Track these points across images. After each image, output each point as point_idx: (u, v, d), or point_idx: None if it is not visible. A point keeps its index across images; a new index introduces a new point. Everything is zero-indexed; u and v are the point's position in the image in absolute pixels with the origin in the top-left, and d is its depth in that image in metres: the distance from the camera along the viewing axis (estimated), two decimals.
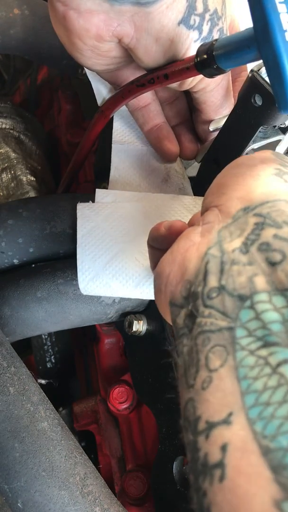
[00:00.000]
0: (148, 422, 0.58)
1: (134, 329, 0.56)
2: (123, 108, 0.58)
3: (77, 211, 0.54)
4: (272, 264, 0.26)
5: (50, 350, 0.80)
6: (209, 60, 0.43)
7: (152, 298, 0.49)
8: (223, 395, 0.24)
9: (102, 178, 0.65)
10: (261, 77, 0.42)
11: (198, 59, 0.44)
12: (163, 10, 0.44)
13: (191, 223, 0.38)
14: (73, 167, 0.66)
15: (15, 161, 0.82)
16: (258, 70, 0.42)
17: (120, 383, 0.60)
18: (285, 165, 0.33)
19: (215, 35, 0.47)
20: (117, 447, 0.60)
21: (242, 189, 0.31)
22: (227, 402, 0.23)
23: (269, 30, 0.33)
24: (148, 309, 0.59)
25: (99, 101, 0.60)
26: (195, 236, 0.32)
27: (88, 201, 0.56)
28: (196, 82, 0.49)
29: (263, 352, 0.24)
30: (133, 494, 0.55)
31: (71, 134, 0.84)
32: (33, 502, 0.43)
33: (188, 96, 0.58)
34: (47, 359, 0.80)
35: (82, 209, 0.54)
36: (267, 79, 0.41)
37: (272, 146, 0.50)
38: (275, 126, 0.47)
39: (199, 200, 0.56)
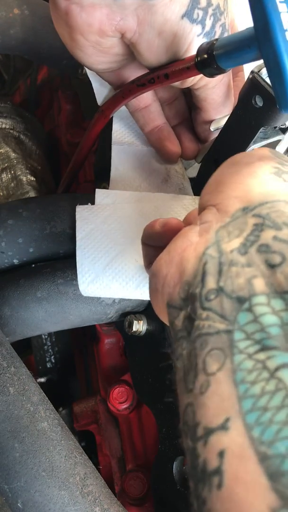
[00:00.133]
0: (148, 422, 0.58)
1: (134, 329, 0.56)
2: (122, 109, 0.58)
3: (76, 213, 0.54)
4: (272, 266, 0.26)
5: (50, 350, 0.80)
6: (210, 60, 0.42)
7: None
8: (220, 400, 0.23)
9: (102, 178, 0.65)
10: (261, 78, 0.42)
11: (199, 59, 0.44)
12: (167, 3, 0.44)
13: (187, 221, 0.38)
14: (73, 167, 0.66)
15: (15, 161, 0.82)
16: (259, 71, 0.42)
17: (120, 383, 0.60)
18: (284, 164, 0.32)
19: (218, 30, 0.47)
20: (117, 447, 0.60)
21: (240, 188, 0.31)
22: (224, 407, 0.23)
23: (269, 29, 0.33)
24: (148, 309, 0.59)
25: (99, 101, 0.60)
26: (193, 235, 0.31)
27: (88, 201, 0.56)
28: (198, 79, 0.49)
29: (261, 355, 0.23)
30: (133, 494, 0.55)
31: (71, 134, 0.84)
32: (33, 502, 0.43)
33: (188, 95, 0.58)
34: (47, 359, 0.80)
35: (81, 211, 0.54)
36: (267, 80, 0.41)
37: (272, 146, 0.50)
38: (276, 126, 0.47)
39: (198, 200, 0.56)
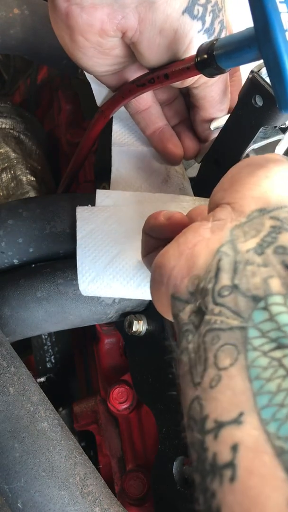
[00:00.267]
0: (148, 422, 0.58)
1: (134, 329, 0.56)
2: (122, 110, 0.58)
3: (77, 214, 0.54)
4: None
5: (50, 350, 0.80)
6: (210, 60, 0.43)
7: None
8: (233, 394, 0.23)
9: (102, 178, 0.65)
10: (261, 77, 0.42)
11: (199, 59, 0.44)
12: (167, 0, 0.44)
13: (190, 218, 0.38)
14: (73, 167, 0.66)
15: (15, 161, 0.82)
16: (258, 71, 0.42)
17: (120, 383, 0.60)
18: None
19: (217, 27, 0.47)
20: (117, 447, 0.60)
21: (257, 189, 0.31)
22: (237, 401, 0.23)
23: (269, 29, 0.33)
24: (148, 309, 0.59)
25: (99, 102, 0.60)
26: (205, 231, 0.31)
27: (88, 201, 0.56)
28: (197, 78, 0.49)
29: (277, 353, 0.23)
30: (133, 494, 0.55)
31: (71, 134, 0.84)
32: (33, 502, 0.43)
33: (186, 95, 0.58)
34: (47, 359, 0.80)
35: (82, 211, 0.54)
36: (267, 79, 0.41)
37: (272, 146, 0.50)
38: (276, 126, 0.47)
39: (198, 201, 0.56)
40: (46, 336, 0.80)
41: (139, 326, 0.56)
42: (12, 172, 0.80)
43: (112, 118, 0.60)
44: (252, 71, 0.43)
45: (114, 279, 0.52)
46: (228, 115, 0.51)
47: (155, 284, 0.34)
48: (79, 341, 0.80)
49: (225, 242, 0.29)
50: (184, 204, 0.55)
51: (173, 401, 0.54)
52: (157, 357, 0.56)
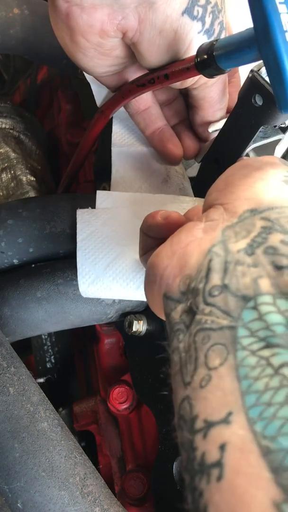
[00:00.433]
0: (148, 422, 0.58)
1: (134, 329, 0.56)
2: (121, 110, 0.58)
3: (77, 216, 0.54)
4: (279, 268, 0.26)
5: (50, 350, 0.80)
6: (210, 60, 0.43)
7: None
8: (222, 394, 0.23)
9: (102, 178, 0.65)
10: (261, 77, 0.42)
11: (198, 59, 0.44)
12: (167, 0, 0.44)
13: (188, 218, 0.38)
14: (73, 167, 0.66)
15: (15, 161, 0.82)
16: (258, 70, 0.42)
17: (120, 383, 0.60)
18: None
19: (216, 28, 0.47)
20: (117, 447, 0.60)
21: (251, 191, 0.31)
22: (226, 401, 0.23)
23: (269, 30, 0.33)
24: (148, 309, 0.58)
25: (98, 102, 0.60)
26: (197, 231, 0.31)
27: (88, 201, 0.56)
28: (197, 78, 0.49)
29: (265, 353, 0.24)
30: (133, 494, 0.55)
31: (71, 134, 0.84)
32: (33, 503, 0.43)
33: (185, 95, 0.58)
34: (47, 359, 0.80)
35: (82, 214, 0.54)
36: (267, 79, 0.41)
37: (272, 145, 0.50)
38: (275, 125, 0.47)
39: (198, 202, 0.56)
40: (46, 336, 0.80)
41: (139, 326, 0.56)
42: (12, 172, 0.80)
43: (112, 118, 0.60)
44: (252, 70, 0.43)
45: (114, 281, 0.52)
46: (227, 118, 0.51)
47: (149, 283, 0.34)
48: (79, 341, 0.80)
49: (216, 242, 0.29)
50: (184, 205, 0.55)
51: (173, 401, 0.54)
52: (157, 357, 0.56)
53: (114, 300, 0.57)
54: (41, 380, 0.79)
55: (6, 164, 0.81)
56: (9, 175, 0.80)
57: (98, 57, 0.49)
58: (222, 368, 0.24)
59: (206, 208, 0.34)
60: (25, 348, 0.82)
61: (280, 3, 0.33)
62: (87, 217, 0.54)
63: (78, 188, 0.77)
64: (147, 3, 0.44)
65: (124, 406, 0.59)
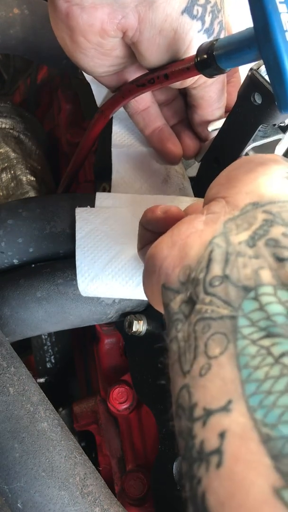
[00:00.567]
0: (148, 422, 0.58)
1: (134, 329, 0.56)
2: (121, 111, 0.58)
3: (76, 214, 0.54)
4: (280, 260, 0.26)
5: (50, 350, 0.80)
6: (209, 60, 0.42)
7: None
8: (222, 383, 0.24)
9: (102, 178, 0.65)
10: (260, 75, 0.42)
11: (198, 59, 0.44)
12: None
13: (188, 213, 0.38)
14: (73, 167, 0.66)
15: (15, 161, 0.82)
16: (258, 68, 0.42)
17: (120, 383, 0.60)
18: None
19: (216, 28, 0.47)
20: (117, 447, 0.60)
21: (253, 185, 0.31)
22: (226, 389, 0.23)
23: (269, 30, 0.33)
24: (148, 309, 0.59)
25: (98, 102, 0.60)
26: (198, 223, 0.31)
27: (88, 201, 0.56)
28: (196, 78, 0.49)
29: (266, 342, 0.24)
30: (133, 495, 0.55)
31: (71, 134, 0.84)
32: (33, 503, 0.43)
33: (184, 95, 0.58)
34: (47, 359, 0.80)
35: (81, 212, 0.54)
36: (266, 77, 0.41)
37: (272, 145, 0.50)
38: (275, 124, 0.47)
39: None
40: (46, 336, 0.80)
41: (139, 326, 0.56)
42: (12, 172, 0.80)
43: (112, 118, 0.60)
44: (251, 69, 0.43)
45: (113, 279, 0.52)
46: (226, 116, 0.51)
47: (148, 274, 0.34)
48: (79, 341, 0.80)
49: (217, 234, 0.29)
50: (184, 204, 0.55)
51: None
52: (157, 357, 0.56)
53: (114, 300, 0.57)
54: (41, 380, 0.79)
55: (6, 164, 0.81)
56: (9, 175, 0.80)
57: (98, 57, 0.49)
58: (222, 357, 0.24)
59: (207, 202, 0.34)
60: (25, 348, 0.82)
61: (280, 2, 0.33)
62: (86, 215, 0.54)
63: (78, 188, 0.77)
64: (147, 2, 0.44)
65: (124, 406, 0.59)
